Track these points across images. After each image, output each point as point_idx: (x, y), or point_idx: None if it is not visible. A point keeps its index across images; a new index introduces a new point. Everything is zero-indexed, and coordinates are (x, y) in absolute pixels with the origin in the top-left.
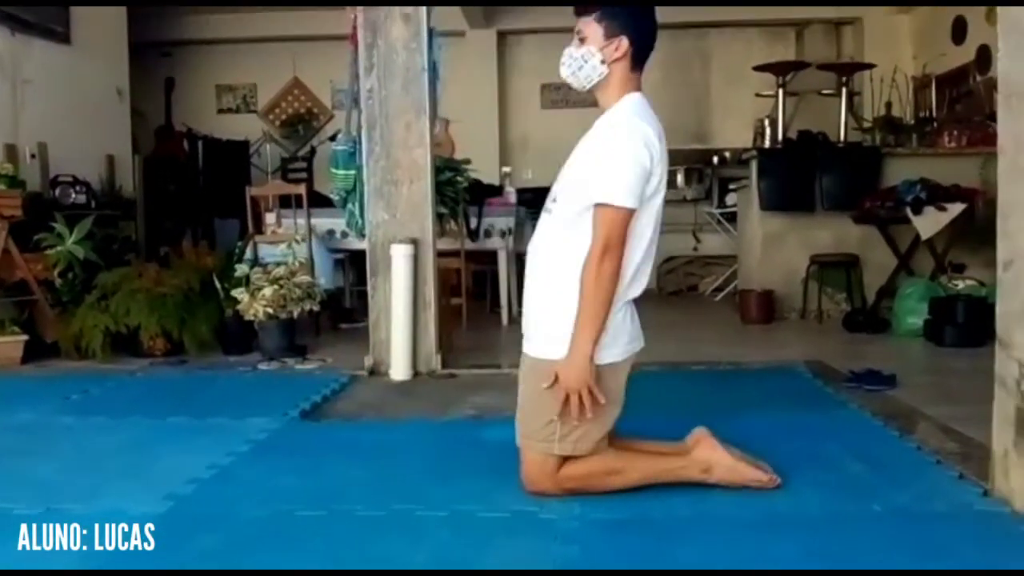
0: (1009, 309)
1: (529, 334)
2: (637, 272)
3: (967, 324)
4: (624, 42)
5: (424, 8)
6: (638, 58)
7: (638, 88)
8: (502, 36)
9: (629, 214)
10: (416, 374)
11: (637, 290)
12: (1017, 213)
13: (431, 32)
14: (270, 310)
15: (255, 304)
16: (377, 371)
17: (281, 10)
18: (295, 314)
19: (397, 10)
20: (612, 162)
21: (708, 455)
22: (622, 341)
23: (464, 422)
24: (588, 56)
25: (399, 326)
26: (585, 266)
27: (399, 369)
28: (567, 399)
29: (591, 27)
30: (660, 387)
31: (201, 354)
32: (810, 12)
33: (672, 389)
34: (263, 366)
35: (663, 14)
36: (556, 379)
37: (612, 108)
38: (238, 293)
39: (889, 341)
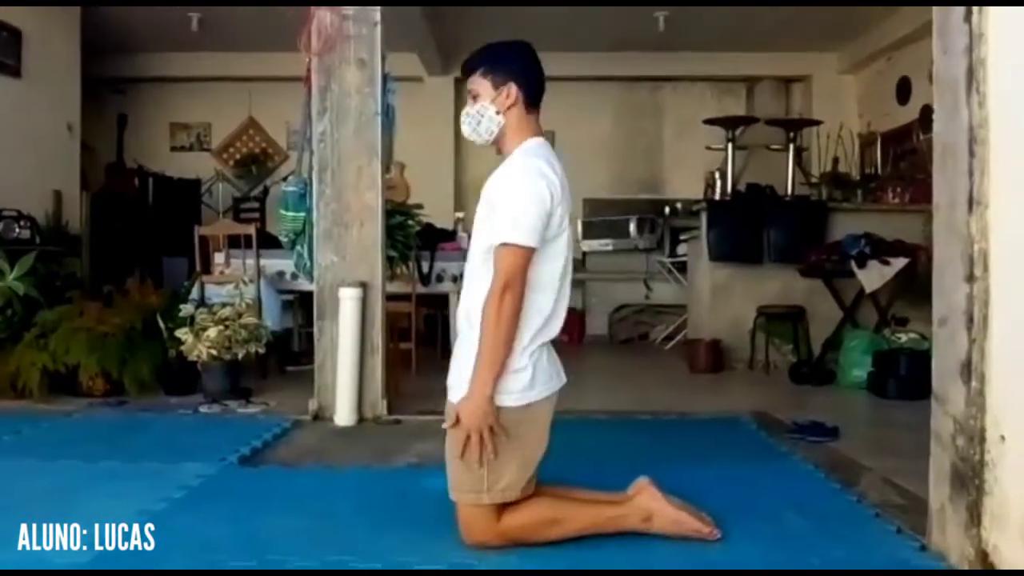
0: (944, 365)
1: (450, 382)
2: (552, 315)
3: (909, 377)
4: (513, 88)
5: (379, 53)
6: (531, 100)
7: (538, 131)
8: (460, 82)
9: (529, 252)
10: (361, 419)
11: (553, 332)
12: (951, 270)
13: (385, 77)
14: (214, 351)
15: (199, 345)
16: (321, 416)
17: (237, 51)
18: (240, 356)
19: (352, 55)
20: (512, 202)
21: (649, 504)
22: (540, 381)
23: (406, 470)
24: (483, 110)
25: (345, 370)
26: (485, 305)
27: (344, 414)
28: (468, 440)
29: (479, 83)
30: (606, 436)
31: (142, 395)
32: (760, 69)
33: (618, 438)
34: (204, 409)
35: (619, 67)
36: (457, 420)
37: (512, 153)
38: (182, 333)
39: (834, 393)
